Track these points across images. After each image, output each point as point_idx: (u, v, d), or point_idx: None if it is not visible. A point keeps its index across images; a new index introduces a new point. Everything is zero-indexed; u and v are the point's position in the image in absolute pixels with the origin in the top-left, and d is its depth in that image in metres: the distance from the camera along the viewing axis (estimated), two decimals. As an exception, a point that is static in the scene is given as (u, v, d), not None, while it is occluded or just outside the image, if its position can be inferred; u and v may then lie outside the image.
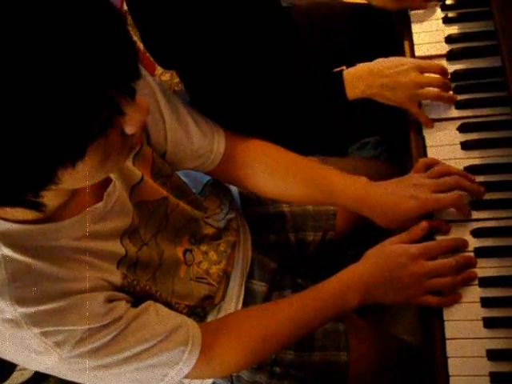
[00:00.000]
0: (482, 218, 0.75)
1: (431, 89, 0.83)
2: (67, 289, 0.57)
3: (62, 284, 0.57)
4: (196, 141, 0.80)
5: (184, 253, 0.78)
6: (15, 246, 0.54)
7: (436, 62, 0.86)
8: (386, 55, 0.89)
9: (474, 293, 0.70)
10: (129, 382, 0.64)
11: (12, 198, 0.48)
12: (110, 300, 0.61)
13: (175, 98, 0.80)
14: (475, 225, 0.74)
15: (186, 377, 0.68)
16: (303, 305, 0.74)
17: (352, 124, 1.09)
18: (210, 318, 0.82)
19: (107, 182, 0.64)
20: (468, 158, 0.79)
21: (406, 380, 0.86)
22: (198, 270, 0.79)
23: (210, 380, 0.76)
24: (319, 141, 1.10)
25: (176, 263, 0.76)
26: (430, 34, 0.91)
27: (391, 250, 0.73)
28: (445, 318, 0.70)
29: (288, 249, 0.97)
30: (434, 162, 0.79)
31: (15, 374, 1.39)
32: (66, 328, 0.56)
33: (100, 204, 0.63)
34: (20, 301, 0.53)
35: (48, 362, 0.57)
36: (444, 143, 0.82)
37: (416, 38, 0.92)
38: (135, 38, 0.49)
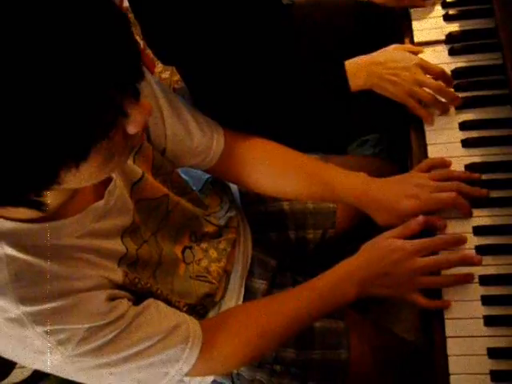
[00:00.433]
0: (483, 215, 0.74)
1: (429, 91, 0.83)
2: (70, 287, 0.57)
3: (65, 282, 0.57)
4: (195, 138, 0.80)
5: (183, 251, 0.78)
6: (18, 245, 0.54)
7: (439, 66, 0.86)
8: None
9: (475, 291, 0.70)
10: (131, 383, 0.64)
11: (15, 197, 0.48)
12: (112, 298, 0.61)
13: (174, 96, 0.80)
14: (476, 222, 0.74)
15: (187, 375, 0.68)
16: (301, 298, 0.74)
17: (352, 122, 1.09)
18: (210, 316, 0.82)
19: (108, 179, 0.64)
20: (469, 156, 0.79)
21: (407, 378, 0.86)
22: (197, 268, 0.79)
23: (211, 378, 0.76)
24: (319, 139, 1.10)
25: (174, 261, 0.76)
26: (431, 31, 0.91)
27: (386, 245, 0.73)
28: (445, 316, 0.69)
29: (288, 247, 0.97)
30: (439, 163, 0.79)
31: (15, 372, 1.39)
32: (69, 326, 0.56)
33: (101, 202, 0.63)
34: (23, 300, 0.53)
35: (51, 361, 0.57)
36: (445, 141, 0.81)
37: (416, 36, 0.92)
38: (136, 37, 0.49)
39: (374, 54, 0.88)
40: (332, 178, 0.82)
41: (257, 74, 0.86)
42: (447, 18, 0.91)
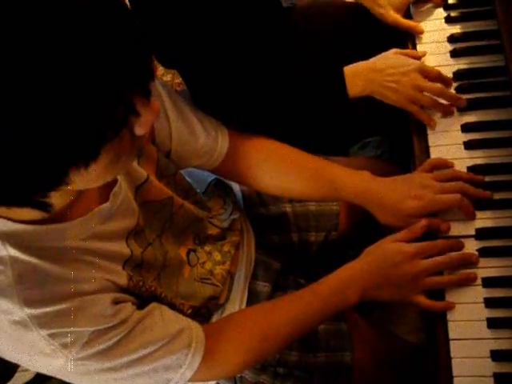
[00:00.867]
0: (486, 217, 0.74)
1: (430, 96, 0.83)
2: (74, 290, 0.57)
3: (69, 285, 0.57)
4: (200, 139, 0.81)
5: (187, 253, 0.78)
6: (22, 246, 0.54)
7: (439, 69, 0.86)
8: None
9: (478, 293, 0.70)
10: None
11: (22, 197, 0.48)
12: (116, 301, 0.61)
13: (179, 98, 0.81)
14: (479, 225, 0.74)
15: (190, 380, 0.67)
16: (303, 302, 0.74)
17: (353, 124, 1.09)
18: (214, 319, 0.82)
19: (113, 182, 0.64)
20: (471, 158, 0.79)
21: (410, 380, 0.86)
22: (202, 271, 0.79)
23: (213, 382, 0.76)
24: (321, 141, 1.10)
25: (180, 264, 0.76)
26: (433, 33, 0.91)
27: (388, 248, 0.73)
28: (448, 318, 0.69)
29: (291, 249, 0.97)
30: (442, 163, 0.79)
31: (18, 375, 1.39)
32: (74, 329, 0.56)
33: (106, 204, 0.63)
34: (28, 302, 0.53)
35: (55, 364, 0.57)
36: (447, 143, 0.81)
37: (418, 38, 0.92)
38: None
39: (373, 61, 0.87)
40: (335, 176, 0.82)
41: (257, 76, 0.86)
42: (449, 20, 0.91)
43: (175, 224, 0.76)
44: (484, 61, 0.86)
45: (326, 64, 0.90)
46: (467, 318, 0.69)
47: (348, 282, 0.73)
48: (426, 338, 0.73)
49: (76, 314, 0.56)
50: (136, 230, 0.68)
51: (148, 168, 0.72)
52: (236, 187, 0.98)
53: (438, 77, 0.84)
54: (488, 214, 0.74)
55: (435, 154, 0.81)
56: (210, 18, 0.78)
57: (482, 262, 0.71)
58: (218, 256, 0.83)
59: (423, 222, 0.73)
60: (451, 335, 0.68)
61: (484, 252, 0.72)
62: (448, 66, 0.87)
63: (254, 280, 0.88)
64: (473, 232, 0.73)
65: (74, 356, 0.56)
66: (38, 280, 0.54)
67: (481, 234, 0.73)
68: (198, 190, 0.87)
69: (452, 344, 0.68)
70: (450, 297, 0.70)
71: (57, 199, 0.54)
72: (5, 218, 0.54)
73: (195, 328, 0.69)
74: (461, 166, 0.79)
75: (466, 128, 0.81)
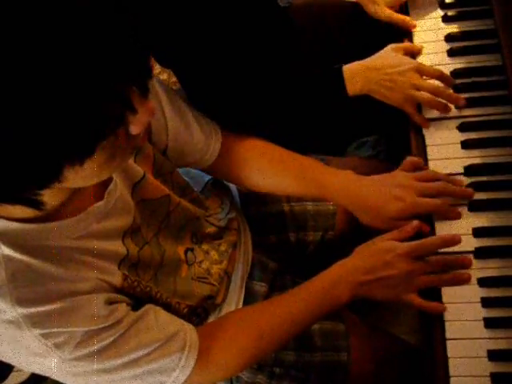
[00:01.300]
0: (482, 217, 0.74)
1: (427, 94, 0.83)
2: (68, 289, 0.56)
3: (63, 284, 0.56)
4: (195, 136, 0.81)
5: (185, 252, 0.78)
6: (15, 245, 0.53)
7: (437, 68, 0.86)
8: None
9: (475, 293, 0.70)
10: None
11: (15, 194, 0.47)
12: (110, 302, 0.61)
13: (175, 95, 0.81)
14: (475, 224, 0.74)
15: (185, 383, 0.67)
16: (296, 301, 0.74)
17: (350, 123, 1.09)
18: (210, 319, 0.82)
19: (108, 180, 0.64)
20: (468, 158, 0.79)
21: (407, 381, 0.86)
22: (199, 270, 0.79)
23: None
24: (318, 140, 1.10)
25: (177, 262, 0.75)
26: (430, 32, 0.91)
27: (381, 246, 0.73)
28: (445, 318, 0.69)
29: (288, 249, 0.97)
30: (421, 164, 0.79)
31: (13, 375, 1.38)
32: (67, 329, 0.56)
33: (101, 203, 0.62)
34: (20, 301, 0.53)
35: (48, 364, 0.57)
36: (444, 142, 0.81)
37: (415, 37, 0.92)
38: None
39: (371, 59, 0.88)
40: (319, 175, 0.83)
41: (254, 76, 0.86)
42: (446, 19, 0.91)
43: (172, 222, 0.76)
44: (481, 60, 0.85)
45: (324, 63, 0.90)
46: (464, 318, 0.69)
47: (340, 280, 0.73)
48: (422, 337, 0.73)
49: (69, 314, 0.56)
50: (132, 229, 0.67)
51: (144, 166, 0.72)
52: (233, 187, 0.98)
53: (439, 75, 0.84)
54: (485, 213, 0.74)
55: (432, 153, 0.81)
56: (207, 17, 0.77)
57: (479, 261, 0.71)
58: (215, 255, 0.83)
59: (415, 222, 0.74)
60: (448, 335, 0.68)
61: (481, 252, 0.72)
62: (445, 66, 0.87)
63: (250, 280, 0.88)
64: (469, 232, 0.73)
65: (66, 356, 0.56)
66: (31, 279, 0.54)
67: (477, 233, 0.73)
68: (196, 190, 0.86)
69: (449, 344, 0.68)
70: (447, 297, 0.70)
71: (50, 197, 0.54)
72: None
73: (189, 330, 0.68)
74: (458, 166, 0.78)
75: (463, 127, 0.81)
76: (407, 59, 0.86)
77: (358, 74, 0.86)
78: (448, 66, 0.87)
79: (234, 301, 0.84)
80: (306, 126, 1.00)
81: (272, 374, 0.84)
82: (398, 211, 0.76)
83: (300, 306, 0.74)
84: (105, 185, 0.63)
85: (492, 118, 0.81)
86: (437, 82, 0.84)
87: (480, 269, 0.71)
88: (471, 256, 0.72)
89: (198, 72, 0.84)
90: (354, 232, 0.98)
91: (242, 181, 0.88)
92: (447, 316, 0.69)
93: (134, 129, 0.50)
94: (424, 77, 0.85)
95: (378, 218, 0.77)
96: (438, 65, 0.87)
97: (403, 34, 0.94)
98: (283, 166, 0.85)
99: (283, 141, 0.88)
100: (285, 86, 0.89)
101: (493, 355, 0.66)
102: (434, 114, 0.84)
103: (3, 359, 0.58)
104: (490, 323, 0.67)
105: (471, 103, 0.82)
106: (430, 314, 0.70)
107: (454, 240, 0.72)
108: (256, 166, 0.85)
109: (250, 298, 0.86)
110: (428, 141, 0.82)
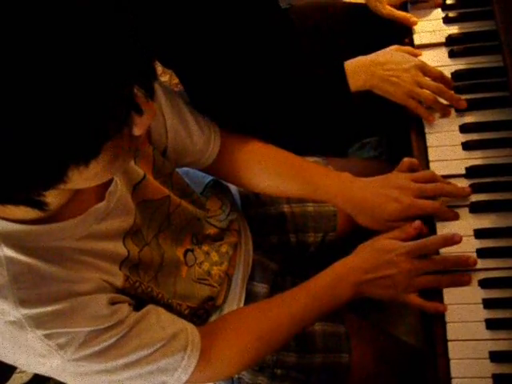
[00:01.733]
0: (484, 218, 0.74)
1: (429, 92, 0.83)
2: (70, 290, 0.56)
3: (65, 285, 0.56)
4: (194, 136, 0.81)
5: (185, 253, 0.78)
6: (17, 246, 0.54)
7: (438, 69, 0.86)
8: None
9: (476, 294, 0.70)
10: None
11: (20, 195, 0.47)
12: (112, 302, 0.61)
13: (174, 95, 0.81)
14: (477, 225, 0.74)
15: (186, 383, 0.67)
16: (297, 300, 0.74)
17: (352, 124, 1.09)
18: (211, 320, 0.81)
19: (109, 181, 0.64)
20: (469, 159, 0.79)
21: (408, 382, 0.85)
22: (199, 271, 0.79)
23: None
24: (319, 141, 1.10)
25: (177, 263, 0.75)
26: (431, 33, 0.91)
27: (381, 246, 0.73)
28: (447, 319, 0.69)
29: (288, 250, 0.97)
30: (417, 166, 0.80)
31: (15, 376, 1.38)
32: (69, 330, 0.56)
33: (102, 204, 0.62)
34: (23, 302, 0.53)
35: (51, 365, 0.57)
36: (445, 143, 0.81)
37: (416, 38, 0.92)
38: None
39: (374, 55, 0.88)
40: (314, 177, 0.83)
41: (256, 77, 0.86)
42: (447, 20, 0.91)
43: (172, 223, 0.76)
44: (482, 61, 0.86)
45: (325, 61, 0.90)
46: (465, 319, 0.69)
47: (340, 279, 0.73)
48: (424, 339, 0.73)
49: (72, 315, 0.56)
50: (133, 230, 0.67)
51: (145, 167, 0.72)
52: (233, 188, 0.98)
53: (439, 76, 0.84)
54: (486, 214, 0.74)
55: (433, 154, 0.81)
56: (209, 17, 0.78)
57: (481, 262, 0.71)
58: (215, 256, 0.83)
59: (417, 222, 0.74)
60: (449, 336, 0.68)
61: (482, 253, 0.72)
62: (446, 67, 0.87)
63: (251, 281, 0.88)
64: (471, 233, 0.73)
65: (69, 357, 0.56)
66: (33, 280, 0.54)
67: (479, 234, 0.73)
68: (196, 191, 0.87)
69: (450, 345, 0.68)
70: (448, 298, 0.70)
71: (53, 198, 0.54)
72: (0, 217, 0.53)
73: (191, 330, 0.68)
74: (459, 167, 0.78)
75: (464, 128, 0.81)
76: (410, 56, 0.87)
77: (360, 69, 0.86)
78: (449, 67, 0.87)
79: (234, 302, 0.84)
80: (307, 126, 1.00)
81: (273, 375, 0.84)
82: (395, 212, 0.76)
83: (300, 305, 0.74)
84: (105, 186, 0.63)
85: (493, 119, 0.81)
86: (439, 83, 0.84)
87: (482, 270, 0.71)
88: (474, 255, 0.72)
89: (199, 72, 0.84)
90: (355, 233, 0.98)
91: (241, 182, 0.88)
92: (449, 317, 0.69)
93: (138, 130, 0.50)
94: (426, 77, 0.85)
95: (375, 220, 0.78)
96: (439, 66, 0.87)
97: (404, 32, 0.94)
98: (282, 168, 0.85)
99: (285, 142, 0.88)
100: (286, 86, 0.89)
101: (495, 356, 0.66)
102: (436, 114, 0.84)
103: (6, 360, 0.58)
104: (491, 324, 0.67)
105: (472, 104, 0.82)
106: (431, 315, 0.70)
107: (455, 239, 0.72)
108: (255, 168, 0.85)
109: (250, 300, 0.86)
110: (429, 142, 0.82)
